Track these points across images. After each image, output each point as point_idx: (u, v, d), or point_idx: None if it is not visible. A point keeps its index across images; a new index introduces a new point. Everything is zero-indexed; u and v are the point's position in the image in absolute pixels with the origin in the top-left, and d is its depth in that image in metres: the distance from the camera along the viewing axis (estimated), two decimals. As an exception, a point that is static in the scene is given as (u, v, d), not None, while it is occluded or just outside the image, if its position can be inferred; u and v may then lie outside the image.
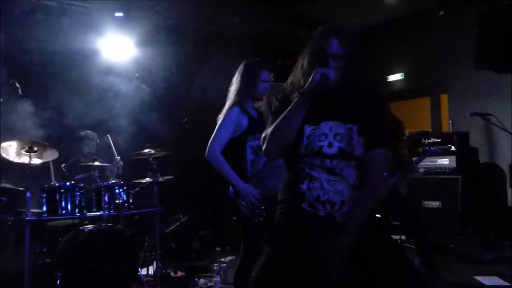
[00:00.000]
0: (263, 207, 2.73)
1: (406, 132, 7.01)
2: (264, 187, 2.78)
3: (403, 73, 6.71)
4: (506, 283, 3.86)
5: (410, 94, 6.87)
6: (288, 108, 1.84)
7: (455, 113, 5.97)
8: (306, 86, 1.81)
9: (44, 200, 3.88)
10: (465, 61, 5.58)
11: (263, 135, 1.93)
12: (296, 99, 1.83)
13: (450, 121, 5.93)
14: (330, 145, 1.84)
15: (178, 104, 5.70)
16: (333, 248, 1.80)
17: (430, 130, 6.49)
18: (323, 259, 1.81)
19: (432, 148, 4.32)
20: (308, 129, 1.86)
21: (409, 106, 7.31)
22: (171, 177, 4.66)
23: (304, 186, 1.86)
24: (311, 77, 1.79)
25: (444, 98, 6.39)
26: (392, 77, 6.82)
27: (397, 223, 4.09)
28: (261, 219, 2.73)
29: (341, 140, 1.85)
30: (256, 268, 1.93)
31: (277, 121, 1.86)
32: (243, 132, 2.87)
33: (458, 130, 5.54)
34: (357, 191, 1.88)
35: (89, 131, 4.82)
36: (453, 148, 4.88)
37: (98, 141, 4.87)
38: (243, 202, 2.76)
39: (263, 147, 1.90)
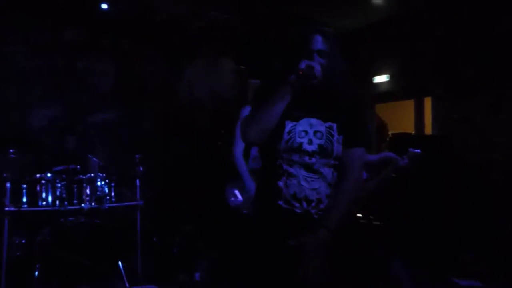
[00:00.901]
0: None
1: (390, 133, 7.10)
2: None
3: (388, 75, 6.75)
4: (483, 284, 3.93)
5: (395, 96, 6.92)
6: (272, 96, 1.85)
7: (438, 116, 6.03)
8: (291, 76, 1.83)
9: (24, 191, 3.86)
10: (450, 64, 5.67)
11: (243, 122, 1.95)
12: (281, 88, 1.85)
13: (434, 124, 6.00)
14: (310, 142, 1.86)
15: (165, 99, 5.67)
16: (310, 243, 1.82)
17: (412, 132, 6.55)
18: (299, 255, 1.83)
19: (414, 150, 4.33)
20: (289, 124, 1.89)
21: (394, 108, 7.36)
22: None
23: (281, 183, 1.88)
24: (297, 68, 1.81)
25: (428, 101, 6.46)
26: (378, 79, 6.86)
27: (378, 223, 4.13)
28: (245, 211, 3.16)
29: (321, 137, 1.87)
30: (231, 264, 1.96)
31: (260, 108, 1.87)
32: None
33: (441, 133, 5.61)
34: (334, 188, 1.91)
35: (69, 124, 4.77)
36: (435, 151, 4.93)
37: (79, 135, 4.82)
38: (232, 198, 3.22)
39: (243, 133, 1.92)
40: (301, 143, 1.86)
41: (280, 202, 1.87)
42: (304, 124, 1.88)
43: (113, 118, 5.28)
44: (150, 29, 5.46)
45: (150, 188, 4.77)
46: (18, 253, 3.86)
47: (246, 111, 3.38)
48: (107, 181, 4.13)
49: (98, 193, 4.05)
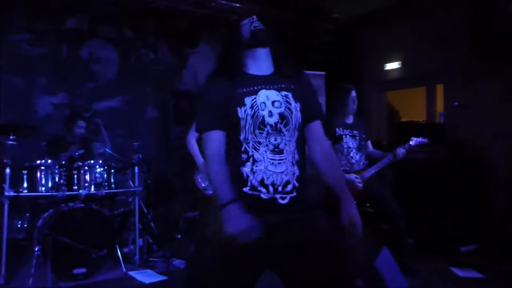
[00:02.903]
0: None
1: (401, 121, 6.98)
2: None
3: (400, 62, 6.59)
4: (480, 275, 3.85)
5: (407, 83, 6.78)
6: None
7: (449, 104, 5.87)
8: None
9: (25, 177, 3.97)
10: (462, 51, 5.50)
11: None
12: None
13: (440, 112, 5.86)
14: (270, 114, 1.86)
15: (168, 88, 5.71)
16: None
17: (423, 120, 6.42)
18: (263, 242, 1.82)
19: (417, 138, 4.24)
20: (248, 100, 1.87)
21: (406, 96, 7.23)
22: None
23: (247, 169, 1.85)
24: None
25: (440, 88, 6.30)
26: (389, 66, 6.72)
27: (373, 211, 4.09)
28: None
29: (280, 106, 1.88)
30: (194, 255, 1.95)
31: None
32: None
33: (448, 121, 5.48)
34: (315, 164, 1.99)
35: (82, 112, 4.85)
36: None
37: (84, 122, 4.91)
38: (198, 177, 3.65)
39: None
40: (263, 117, 1.85)
41: (246, 189, 1.85)
42: (262, 96, 1.88)
43: (116, 106, 5.35)
44: (154, 17, 5.47)
45: (151, 175, 4.85)
46: (19, 236, 3.99)
47: None
48: (106, 167, 4.19)
49: (97, 179, 4.12)
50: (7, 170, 3.76)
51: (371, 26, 6.73)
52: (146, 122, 5.44)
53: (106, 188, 4.15)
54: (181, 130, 5.64)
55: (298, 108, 1.92)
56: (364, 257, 2.75)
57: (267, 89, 1.90)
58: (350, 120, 3.93)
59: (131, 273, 3.97)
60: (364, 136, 3.97)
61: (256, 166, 1.84)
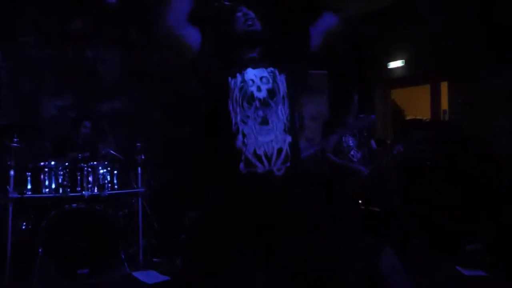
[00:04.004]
0: None
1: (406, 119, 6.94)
2: None
3: (404, 60, 6.56)
4: (485, 274, 3.82)
5: (411, 82, 6.74)
6: None
7: (454, 102, 5.82)
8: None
9: (29, 178, 4.00)
10: (467, 48, 5.45)
11: None
12: None
13: (444, 110, 5.83)
14: (259, 89, 1.94)
15: (174, 88, 5.71)
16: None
17: (427, 118, 6.38)
18: (264, 221, 1.83)
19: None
20: (239, 77, 1.95)
21: (411, 94, 7.18)
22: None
23: (238, 143, 1.87)
24: None
25: (444, 86, 6.26)
26: (393, 64, 6.69)
27: (377, 210, 4.07)
28: None
29: (268, 82, 1.97)
30: (193, 239, 1.98)
31: None
32: None
33: (451, 119, 5.44)
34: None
35: (88, 115, 4.87)
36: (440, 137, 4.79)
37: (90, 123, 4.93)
38: None
39: None
40: (252, 92, 1.93)
41: (241, 165, 1.85)
42: (250, 74, 1.96)
43: (121, 107, 5.37)
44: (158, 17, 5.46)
45: (155, 176, 4.87)
46: (23, 237, 4.02)
47: None
48: (109, 168, 4.21)
49: (100, 180, 4.14)
50: (11, 172, 3.81)
51: (374, 24, 6.70)
52: (150, 123, 5.45)
53: (110, 189, 4.18)
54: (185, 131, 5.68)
55: (283, 80, 2.00)
56: (365, 256, 2.74)
57: (254, 68, 1.98)
58: (350, 119, 3.93)
59: (134, 273, 3.98)
60: (365, 134, 3.97)
61: (247, 139, 1.87)
